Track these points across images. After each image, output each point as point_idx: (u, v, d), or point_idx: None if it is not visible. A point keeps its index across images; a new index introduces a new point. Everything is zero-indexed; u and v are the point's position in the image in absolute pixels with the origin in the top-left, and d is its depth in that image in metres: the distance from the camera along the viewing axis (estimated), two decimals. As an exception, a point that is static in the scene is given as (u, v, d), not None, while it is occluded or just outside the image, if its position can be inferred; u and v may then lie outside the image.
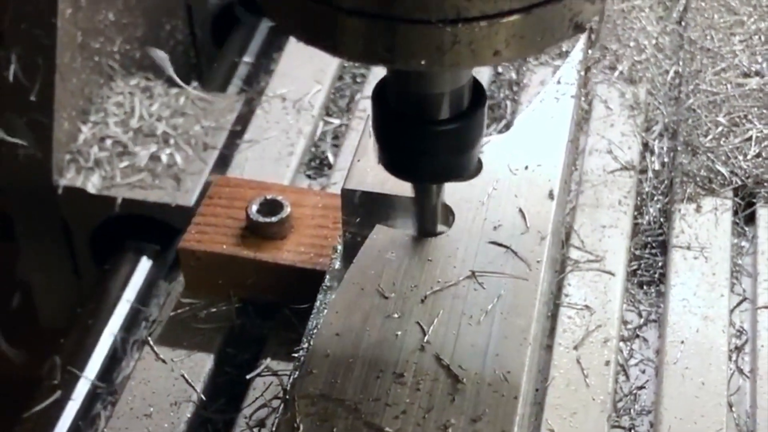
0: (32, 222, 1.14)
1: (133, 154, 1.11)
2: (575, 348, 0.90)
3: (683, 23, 1.22)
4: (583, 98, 1.09)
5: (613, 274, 0.95)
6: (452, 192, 0.83)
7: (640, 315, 0.96)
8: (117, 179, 1.09)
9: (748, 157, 1.05)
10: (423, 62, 0.60)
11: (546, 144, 0.88)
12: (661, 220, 1.03)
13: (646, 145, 1.09)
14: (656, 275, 0.99)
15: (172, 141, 1.12)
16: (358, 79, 1.20)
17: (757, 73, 1.13)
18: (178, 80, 1.16)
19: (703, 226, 1.00)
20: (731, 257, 0.98)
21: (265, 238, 0.92)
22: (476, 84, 0.71)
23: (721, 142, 1.06)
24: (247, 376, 0.90)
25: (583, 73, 0.97)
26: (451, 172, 0.75)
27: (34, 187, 1.10)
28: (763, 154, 1.05)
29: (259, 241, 0.92)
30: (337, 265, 0.87)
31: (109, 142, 1.12)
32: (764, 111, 1.09)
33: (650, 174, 1.07)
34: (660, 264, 1.00)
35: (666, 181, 1.06)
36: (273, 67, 1.21)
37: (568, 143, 0.90)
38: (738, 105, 1.10)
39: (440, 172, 0.74)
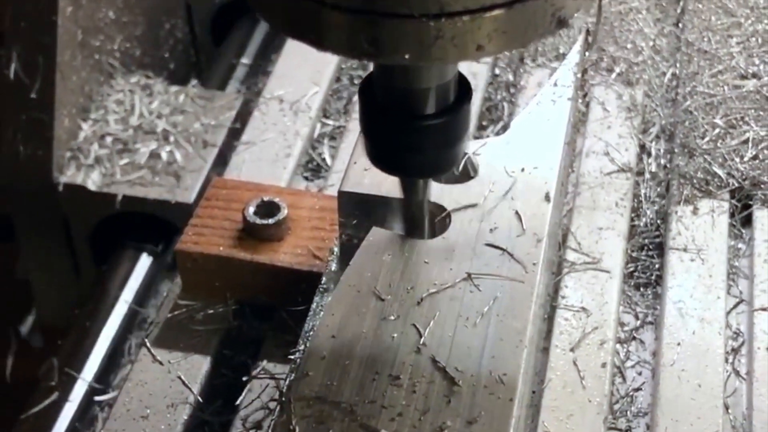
0: (32, 220, 1.15)
1: (133, 151, 1.11)
2: (572, 350, 0.90)
3: (680, 25, 1.22)
4: (580, 100, 1.09)
5: (608, 272, 0.95)
6: (449, 194, 0.83)
7: (636, 317, 0.96)
8: (117, 176, 1.09)
9: (745, 159, 1.05)
10: (407, 56, 0.61)
11: (542, 146, 0.88)
12: (658, 222, 1.03)
13: (643, 147, 1.09)
14: (653, 277, 0.99)
15: (171, 138, 1.12)
16: (356, 81, 1.20)
17: (754, 75, 1.13)
18: None
19: (700, 228, 1.00)
20: (728, 259, 0.98)
21: (261, 240, 0.92)
22: (462, 79, 0.72)
23: (718, 144, 1.06)
24: (244, 378, 0.90)
25: (579, 75, 0.97)
26: (438, 166, 0.75)
27: (34, 184, 1.11)
28: (760, 156, 1.06)
29: (255, 242, 0.92)
30: (334, 267, 0.87)
31: (109, 139, 1.12)
32: (761, 113, 1.09)
33: (647, 176, 1.07)
34: (657, 266, 1.00)
35: (663, 183, 1.06)
36: (270, 69, 1.21)
37: (565, 146, 0.90)
38: (735, 107, 1.10)
39: (427, 167, 0.75)
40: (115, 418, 0.87)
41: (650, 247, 1.02)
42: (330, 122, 1.16)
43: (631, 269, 1.00)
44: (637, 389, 0.91)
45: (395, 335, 0.75)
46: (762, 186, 1.03)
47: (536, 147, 0.88)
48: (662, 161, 1.08)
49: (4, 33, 1.08)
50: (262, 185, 0.98)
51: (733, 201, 1.03)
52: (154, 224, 1.09)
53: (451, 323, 0.76)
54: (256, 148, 1.11)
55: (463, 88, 0.72)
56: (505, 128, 1.09)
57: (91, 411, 0.94)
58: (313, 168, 1.12)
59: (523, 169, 0.86)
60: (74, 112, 1.12)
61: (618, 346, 0.93)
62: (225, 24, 1.38)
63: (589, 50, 1.11)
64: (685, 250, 0.99)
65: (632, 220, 1.03)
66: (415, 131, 0.71)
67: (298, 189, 1.07)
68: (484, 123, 1.15)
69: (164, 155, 1.11)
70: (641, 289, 0.99)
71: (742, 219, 1.03)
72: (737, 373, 0.91)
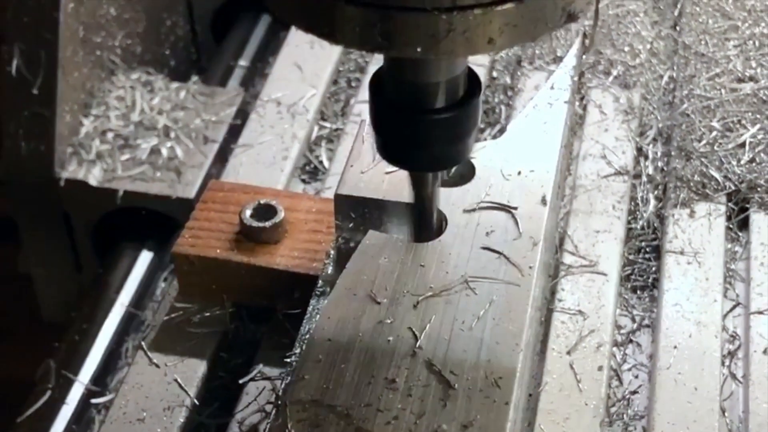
0: (34, 215, 1.15)
1: (135, 147, 1.12)
2: (568, 353, 0.90)
3: (678, 28, 1.22)
4: (577, 103, 1.09)
5: (605, 275, 0.95)
6: (445, 197, 0.83)
7: (633, 320, 0.96)
8: (118, 172, 1.10)
9: (742, 162, 1.05)
10: (419, 50, 0.62)
11: (539, 149, 0.88)
12: (655, 225, 1.03)
13: (640, 150, 1.09)
14: (650, 280, 0.99)
15: (172, 134, 1.13)
16: (353, 84, 1.20)
17: (751, 78, 1.13)
18: None
19: (697, 231, 1.00)
20: (724, 262, 0.98)
21: (258, 243, 0.92)
22: (471, 73, 0.72)
23: (715, 147, 1.06)
24: (241, 381, 0.90)
25: (576, 78, 0.97)
26: (447, 160, 0.76)
27: (36, 179, 1.11)
28: (757, 159, 1.06)
29: (252, 245, 0.92)
30: (330, 270, 0.87)
31: (110, 135, 1.13)
32: (758, 116, 1.09)
33: (644, 179, 1.07)
34: (653, 269, 1.00)
35: (660, 186, 1.06)
36: (268, 71, 1.21)
37: (562, 148, 0.90)
38: (732, 110, 1.10)
39: (436, 161, 0.75)
40: (112, 420, 0.87)
41: (647, 250, 1.02)
42: (327, 125, 1.16)
43: (628, 272, 1.00)
44: (634, 392, 0.91)
45: (391, 338, 0.75)
46: (759, 189, 1.03)
47: (533, 150, 0.88)
48: (659, 164, 1.08)
49: (6, 29, 1.08)
50: (259, 188, 0.98)
51: (730, 204, 1.03)
52: (155, 221, 1.09)
53: (447, 327, 0.76)
54: (253, 150, 1.11)
55: (473, 82, 0.72)
56: (502, 131, 1.10)
57: (88, 413, 0.94)
58: (310, 171, 1.12)
59: (519, 172, 0.86)
60: (76, 108, 1.12)
61: (615, 349, 0.93)
62: (226, 21, 1.39)
63: (586, 53, 1.12)
64: (681, 253, 0.99)
65: (629, 223, 1.03)
66: (425, 125, 0.71)
67: (295, 192, 1.07)
68: (481, 126, 1.15)
69: (165, 151, 1.11)
70: (638, 292, 0.99)
71: (739, 222, 1.03)
72: (734, 377, 0.91)
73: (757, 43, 1.17)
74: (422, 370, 0.73)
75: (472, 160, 0.86)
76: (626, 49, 1.19)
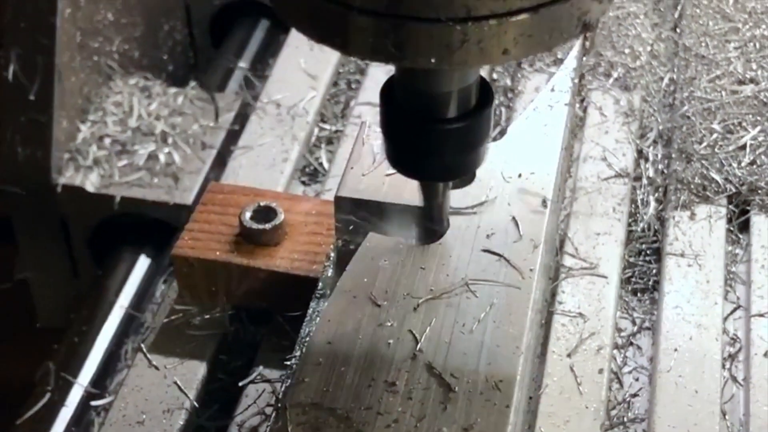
0: (31, 221, 1.15)
1: (132, 152, 1.11)
2: (569, 355, 0.90)
3: (678, 30, 1.22)
4: (577, 105, 1.09)
5: (606, 278, 0.95)
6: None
7: (633, 322, 0.96)
8: (115, 178, 1.10)
9: (743, 164, 1.05)
10: (432, 60, 0.61)
11: (539, 152, 0.88)
12: (655, 227, 1.03)
13: (640, 152, 1.09)
14: (650, 283, 0.99)
15: (170, 140, 1.12)
16: (353, 86, 1.20)
17: (752, 80, 1.13)
18: None
19: (697, 234, 1.00)
20: (725, 265, 0.98)
21: (258, 245, 0.92)
22: (483, 83, 0.72)
23: (716, 150, 1.06)
24: (240, 383, 0.89)
25: (577, 80, 0.97)
26: (458, 170, 0.75)
27: (33, 185, 1.11)
28: (758, 161, 1.05)
29: (252, 247, 0.92)
30: (330, 272, 0.87)
31: (107, 140, 1.13)
32: (759, 118, 1.09)
33: (644, 181, 1.07)
34: (654, 271, 1.00)
35: (660, 189, 1.06)
36: (268, 73, 1.21)
37: (562, 151, 0.90)
38: (732, 112, 1.10)
39: (447, 171, 0.74)
40: (111, 423, 0.87)
41: (647, 252, 1.02)
42: (327, 127, 1.15)
43: (629, 275, 1.00)
44: (634, 395, 0.90)
45: (391, 341, 0.75)
46: (759, 191, 1.03)
47: (533, 152, 0.88)
48: (660, 166, 1.08)
49: (3, 34, 1.08)
50: (258, 190, 0.98)
51: (731, 206, 1.03)
52: (152, 227, 1.09)
53: (448, 329, 0.75)
54: (253, 152, 1.10)
55: (485, 91, 0.72)
56: (502, 133, 1.09)
57: (87, 416, 0.94)
58: (310, 173, 1.12)
59: (520, 175, 0.86)
60: (73, 114, 1.12)
61: (615, 351, 0.93)
62: (224, 26, 1.38)
63: (586, 55, 1.11)
64: (682, 255, 0.98)
65: (629, 225, 1.03)
66: (436, 135, 0.71)
67: (295, 194, 1.07)
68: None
69: (162, 157, 1.11)
70: (638, 294, 0.99)
71: (740, 224, 1.03)
72: (734, 379, 0.91)
73: (757, 45, 1.17)
74: (422, 373, 0.73)
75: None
76: (627, 51, 1.19)
